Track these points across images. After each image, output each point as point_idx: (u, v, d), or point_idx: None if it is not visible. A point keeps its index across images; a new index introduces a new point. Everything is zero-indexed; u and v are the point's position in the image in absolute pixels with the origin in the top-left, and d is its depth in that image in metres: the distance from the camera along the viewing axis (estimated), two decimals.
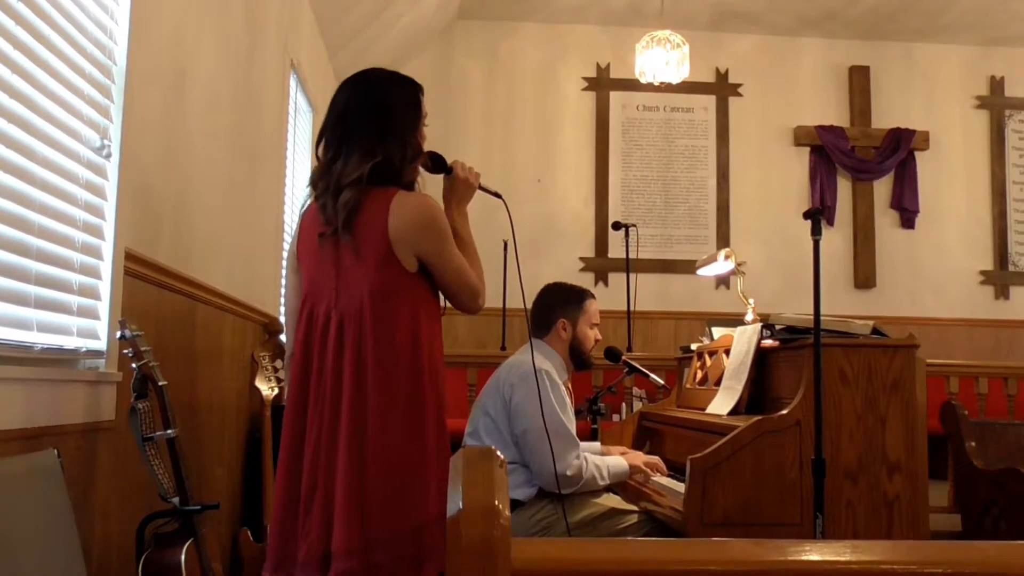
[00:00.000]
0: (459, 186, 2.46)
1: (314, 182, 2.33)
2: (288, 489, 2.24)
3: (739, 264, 3.90)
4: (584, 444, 3.27)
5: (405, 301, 2.23)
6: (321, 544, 2.14)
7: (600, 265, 7.54)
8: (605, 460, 3.26)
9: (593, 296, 3.51)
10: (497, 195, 2.60)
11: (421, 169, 2.45)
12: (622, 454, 3.48)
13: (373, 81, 2.37)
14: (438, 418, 2.24)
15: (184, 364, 3.02)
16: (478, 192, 2.56)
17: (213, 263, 3.35)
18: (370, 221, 2.21)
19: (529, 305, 3.36)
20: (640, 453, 3.53)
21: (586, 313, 3.43)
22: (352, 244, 2.23)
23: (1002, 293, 7.82)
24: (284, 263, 4.63)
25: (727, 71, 7.88)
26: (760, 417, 2.89)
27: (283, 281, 4.64)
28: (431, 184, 2.47)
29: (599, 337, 3.51)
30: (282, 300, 4.62)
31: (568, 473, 3.09)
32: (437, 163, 2.47)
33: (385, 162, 2.25)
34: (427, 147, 2.51)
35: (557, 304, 3.42)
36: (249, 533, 3.51)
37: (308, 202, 2.38)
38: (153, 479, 2.31)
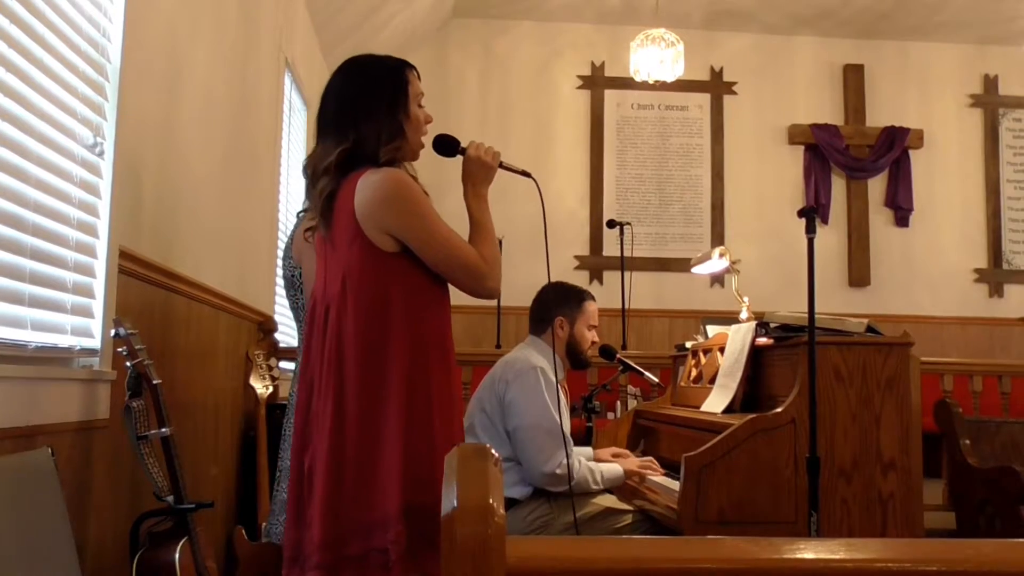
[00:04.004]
0: (473, 167, 2.32)
1: (304, 176, 2.30)
2: (295, 483, 2.20)
3: (734, 262, 3.91)
4: (576, 449, 3.27)
5: (378, 283, 2.12)
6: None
7: (595, 263, 7.54)
8: (600, 466, 3.26)
9: (593, 298, 3.50)
10: (525, 174, 2.42)
11: (435, 153, 2.37)
12: (614, 455, 3.48)
13: (350, 66, 2.32)
14: (409, 409, 2.08)
15: (178, 362, 3.01)
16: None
17: (207, 261, 3.35)
18: (342, 205, 2.15)
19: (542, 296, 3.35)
20: (633, 457, 3.53)
21: (584, 313, 3.43)
22: (329, 233, 2.19)
23: (996, 291, 7.83)
24: (279, 262, 4.63)
25: (721, 69, 7.88)
26: (755, 415, 2.89)
27: (277, 280, 4.65)
28: (452, 166, 2.39)
29: (596, 339, 3.50)
30: (276, 298, 4.62)
31: (557, 471, 3.08)
32: (444, 145, 2.37)
33: (358, 145, 2.17)
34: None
35: (556, 302, 3.42)
36: (244, 531, 3.50)
37: None
38: (147, 478, 2.30)
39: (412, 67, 2.32)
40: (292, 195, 5.15)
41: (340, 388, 2.10)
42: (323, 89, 2.31)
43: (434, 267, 2.17)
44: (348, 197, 2.14)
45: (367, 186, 2.12)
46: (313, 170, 2.21)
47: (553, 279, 3.56)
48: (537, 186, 2.44)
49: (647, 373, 3.94)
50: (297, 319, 2.89)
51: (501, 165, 2.38)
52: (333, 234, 2.18)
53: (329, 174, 2.17)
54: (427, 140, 2.35)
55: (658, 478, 3.31)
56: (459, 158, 2.37)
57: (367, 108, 2.21)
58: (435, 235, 2.16)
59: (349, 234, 2.14)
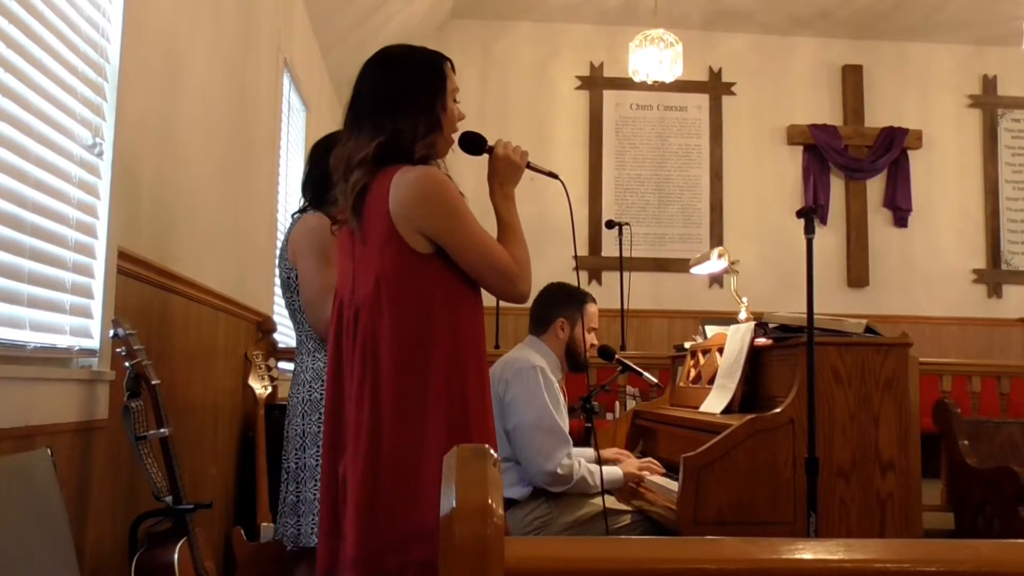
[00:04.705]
0: (500, 166, 2.26)
1: (333, 167, 2.18)
2: (328, 492, 2.13)
3: (732, 263, 3.91)
4: (577, 450, 3.27)
5: (415, 286, 2.04)
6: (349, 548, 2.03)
7: (594, 264, 7.54)
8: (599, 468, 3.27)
9: (594, 300, 3.50)
10: (552, 175, 2.38)
11: (461, 150, 2.29)
12: (615, 456, 3.49)
13: (386, 56, 2.20)
14: (448, 415, 2.01)
15: (177, 363, 3.01)
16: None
17: (206, 261, 3.35)
18: (375, 202, 2.05)
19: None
20: (633, 459, 3.53)
21: (585, 315, 3.42)
22: (361, 229, 2.09)
23: (995, 291, 7.84)
24: (277, 262, 4.62)
25: (720, 70, 7.88)
26: (753, 415, 2.89)
27: (276, 280, 4.64)
28: (478, 165, 2.33)
29: (595, 342, 3.50)
30: (275, 299, 4.62)
31: (558, 471, 3.09)
32: (471, 143, 2.30)
33: (393, 139, 2.07)
34: None
35: (557, 303, 3.41)
36: (242, 532, 3.50)
37: None
38: (146, 478, 2.30)
39: (448, 60, 2.24)
40: (291, 195, 5.15)
41: (376, 394, 2.02)
42: (358, 76, 2.20)
43: (467, 269, 2.10)
44: (382, 195, 2.05)
45: (402, 185, 2.04)
46: (346, 163, 2.11)
47: (553, 280, 3.57)
48: (564, 187, 2.40)
49: (646, 373, 3.93)
50: (294, 320, 2.89)
51: (528, 165, 2.32)
52: (365, 232, 2.09)
53: (363, 167, 2.08)
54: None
55: (657, 478, 3.31)
56: (475, 158, 2.32)
57: (406, 101, 2.12)
58: (470, 236, 2.09)
59: (383, 235, 2.05)
